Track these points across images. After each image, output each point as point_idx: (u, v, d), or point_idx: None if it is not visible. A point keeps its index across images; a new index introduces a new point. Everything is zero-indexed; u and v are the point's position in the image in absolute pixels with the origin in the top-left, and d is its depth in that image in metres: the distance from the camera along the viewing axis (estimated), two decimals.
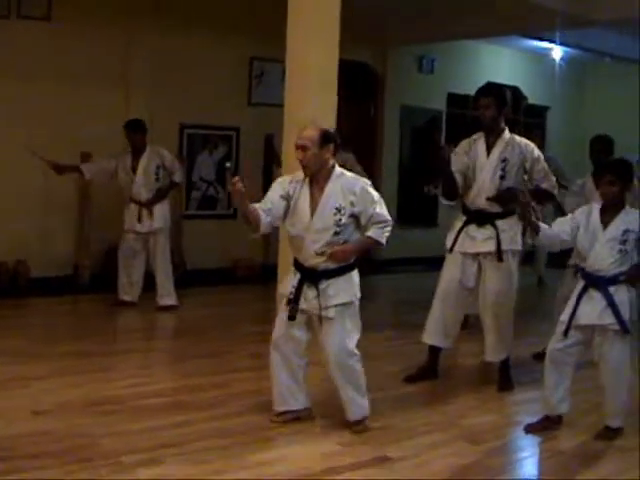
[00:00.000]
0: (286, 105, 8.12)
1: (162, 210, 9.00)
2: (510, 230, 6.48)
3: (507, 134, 6.54)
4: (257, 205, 5.25)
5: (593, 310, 5.38)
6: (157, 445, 5.00)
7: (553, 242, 5.63)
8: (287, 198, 5.30)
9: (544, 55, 14.20)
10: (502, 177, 6.43)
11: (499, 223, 6.46)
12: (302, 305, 5.30)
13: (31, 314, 8.61)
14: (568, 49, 13.63)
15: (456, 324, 6.72)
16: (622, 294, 5.36)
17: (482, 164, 6.49)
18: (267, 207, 5.26)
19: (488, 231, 6.47)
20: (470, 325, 7.93)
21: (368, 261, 11.84)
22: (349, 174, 5.39)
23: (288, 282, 5.43)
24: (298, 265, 5.38)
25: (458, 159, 6.52)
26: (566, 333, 5.45)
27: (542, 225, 5.53)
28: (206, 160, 11.25)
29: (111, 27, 10.01)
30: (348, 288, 5.32)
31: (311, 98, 7.96)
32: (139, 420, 5.46)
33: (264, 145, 11.32)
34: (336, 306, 5.25)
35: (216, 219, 11.10)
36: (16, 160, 9.16)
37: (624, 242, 5.33)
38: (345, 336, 5.29)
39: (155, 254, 8.99)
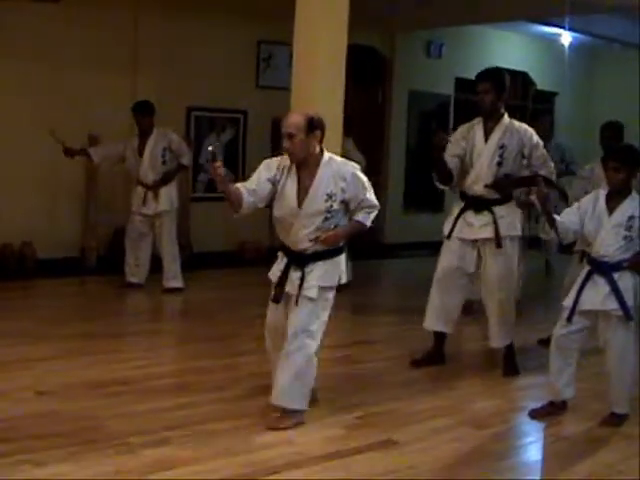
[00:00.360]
0: (293, 89, 8.11)
1: (168, 193, 8.99)
2: (508, 216, 6.47)
3: (506, 119, 6.48)
4: (240, 184, 5.22)
5: (597, 296, 5.37)
6: (163, 427, 5.02)
7: (567, 235, 5.57)
8: (274, 182, 5.20)
9: (553, 41, 14.15)
10: (499, 164, 6.39)
11: (497, 209, 6.43)
12: (287, 288, 5.22)
13: (37, 296, 8.64)
14: (577, 35, 13.57)
15: (455, 310, 6.68)
16: (626, 280, 5.34)
17: (480, 150, 6.44)
18: (251, 188, 5.19)
19: (486, 217, 6.44)
20: (474, 311, 7.94)
21: (375, 245, 11.88)
22: (338, 159, 5.32)
23: (275, 267, 5.34)
24: (285, 249, 5.31)
25: (456, 144, 6.49)
26: (570, 319, 5.46)
27: (557, 217, 5.50)
28: (213, 143, 11.23)
29: (119, 9, 10.01)
30: (333, 272, 5.25)
31: (319, 82, 7.95)
32: (145, 401, 5.48)
33: (271, 128, 11.31)
34: (318, 288, 5.16)
35: (223, 202, 11.01)
36: (23, 142, 9.16)
37: (629, 228, 5.32)
38: (312, 316, 5.16)
39: (161, 237, 8.99)
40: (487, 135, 6.44)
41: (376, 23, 11.91)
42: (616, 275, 5.35)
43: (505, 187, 6.43)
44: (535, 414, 5.60)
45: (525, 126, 6.53)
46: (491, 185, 6.39)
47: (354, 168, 5.26)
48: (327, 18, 7.92)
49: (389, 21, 12.20)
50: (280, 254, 5.36)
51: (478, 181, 6.43)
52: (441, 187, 6.70)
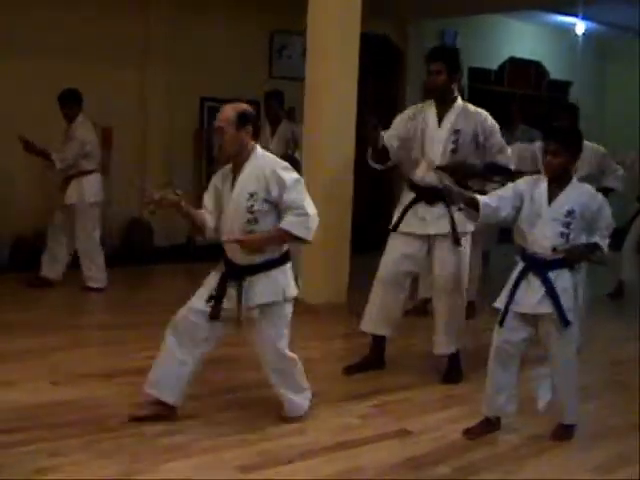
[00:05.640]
0: (307, 79, 8.12)
1: (77, 185, 8.55)
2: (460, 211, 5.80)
3: (460, 102, 5.99)
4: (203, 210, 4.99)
5: (531, 297, 4.84)
6: (178, 416, 5.03)
7: (490, 217, 4.97)
8: (218, 193, 4.96)
9: (567, 30, 14.11)
10: (454, 150, 5.86)
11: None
12: (225, 304, 4.89)
13: (51, 286, 8.62)
14: (591, 24, 13.53)
15: (397, 312, 6.20)
16: (565, 280, 4.82)
17: (432, 136, 5.91)
18: (210, 208, 4.97)
19: (440, 210, 5.89)
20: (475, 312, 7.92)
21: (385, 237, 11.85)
22: (268, 156, 4.96)
23: (213, 274, 5.02)
24: (225, 259, 5.01)
25: (401, 124, 6.08)
26: (502, 322, 4.94)
27: (481, 199, 4.92)
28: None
29: (130, 1, 10.02)
30: (272, 286, 4.87)
31: (332, 72, 7.97)
32: None
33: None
34: (261, 306, 4.85)
35: None
36: (34, 135, 9.13)
37: (567, 225, 4.75)
38: (276, 339, 4.91)
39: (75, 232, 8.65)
40: (440, 119, 5.94)
41: (389, 12, 11.88)
42: (553, 274, 4.81)
43: (457, 172, 5.82)
44: (470, 433, 5.04)
45: (480, 110, 6.01)
46: (443, 167, 5.80)
47: (277, 165, 4.86)
48: (340, 8, 7.95)
49: (402, 10, 12.17)
50: (221, 261, 5.05)
51: (431, 170, 5.88)
52: (375, 166, 6.16)
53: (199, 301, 4.97)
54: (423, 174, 5.95)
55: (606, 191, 6.82)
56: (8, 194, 9.38)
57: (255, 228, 4.80)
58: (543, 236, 4.81)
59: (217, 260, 5.06)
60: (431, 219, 5.92)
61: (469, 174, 5.97)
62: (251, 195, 4.77)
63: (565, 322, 4.81)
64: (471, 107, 6.00)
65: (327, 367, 6.18)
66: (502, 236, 9.05)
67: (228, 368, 6.06)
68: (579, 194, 4.83)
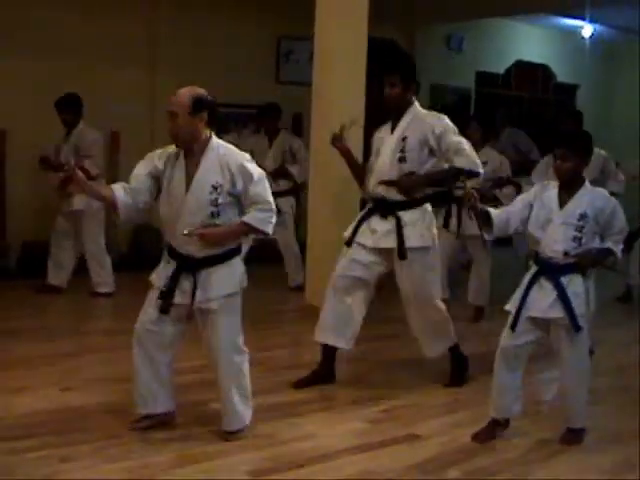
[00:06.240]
0: (314, 84, 8.12)
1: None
2: (415, 224, 5.69)
3: (413, 109, 5.78)
4: (119, 184, 4.78)
5: (543, 302, 4.83)
6: (187, 422, 5.04)
7: (503, 231, 5.04)
8: (156, 175, 4.74)
9: (573, 33, 14.10)
10: (401, 159, 5.65)
11: (402, 215, 5.67)
12: (177, 298, 4.74)
13: (57, 293, 8.63)
14: (598, 26, 13.52)
15: (352, 323, 5.91)
16: (577, 285, 4.80)
17: (385, 146, 5.78)
18: (132, 186, 4.73)
19: (390, 224, 5.70)
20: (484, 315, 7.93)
21: None
22: (229, 147, 4.78)
23: (160, 271, 4.84)
24: (173, 252, 4.79)
25: (373, 142, 6.00)
26: (514, 327, 4.92)
27: (493, 213, 4.99)
28: (235, 139, 11.21)
29: (137, 4, 10.03)
30: (231, 277, 4.76)
31: (340, 76, 7.97)
32: None
33: (292, 124, 11.30)
34: (220, 298, 4.70)
35: None
36: (34, 137, 9.13)
37: (580, 229, 4.75)
38: (232, 331, 4.79)
39: (81, 237, 8.69)
40: (393, 129, 5.78)
41: (396, 16, 11.89)
42: (565, 279, 4.80)
43: (409, 187, 5.64)
44: (478, 438, 5.04)
45: (432, 114, 5.80)
46: (391, 184, 5.63)
47: (243, 158, 4.70)
48: (347, 13, 7.95)
49: (409, 14, 12.18)
50: (165, 256, 4.86)
51: (380, 180, 5.75)
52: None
53: (152, 305, 4.84)
54: (374, 185, 5.80)
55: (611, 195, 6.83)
56: (14, 200, 9.40)
57: (217, 221, 4.64)
58: (554, 240, 4.81)
59: None
60: (381, 232, 5.74)
61: (423, 186, 5.75)
62: (214, 188, 4.59)
63: (576, 327, 4.79)
64: (423, 112, 5.81)
65: None
66: (500, 239, 9.06)
67: None
68: (592, 198, 4.85)
